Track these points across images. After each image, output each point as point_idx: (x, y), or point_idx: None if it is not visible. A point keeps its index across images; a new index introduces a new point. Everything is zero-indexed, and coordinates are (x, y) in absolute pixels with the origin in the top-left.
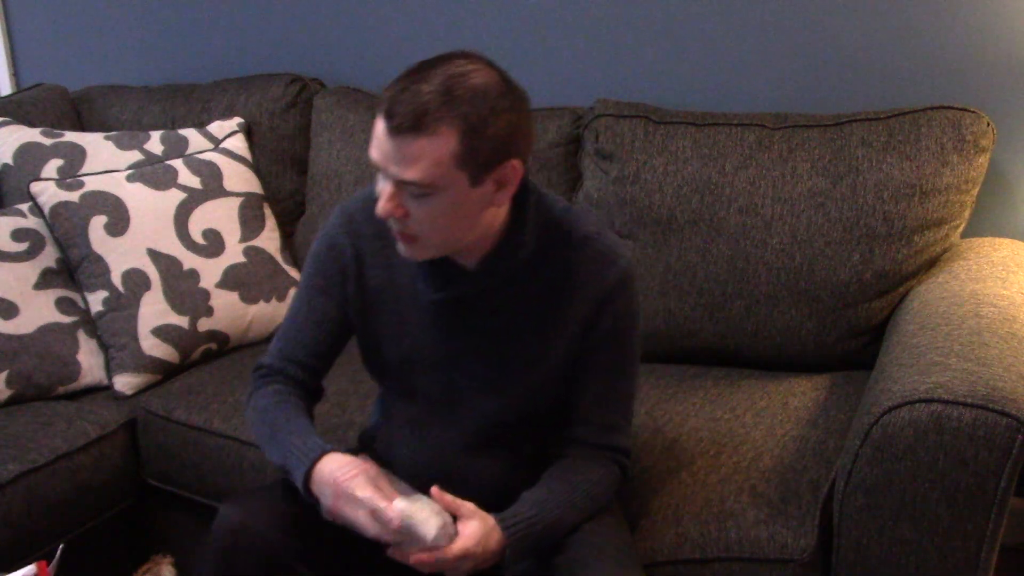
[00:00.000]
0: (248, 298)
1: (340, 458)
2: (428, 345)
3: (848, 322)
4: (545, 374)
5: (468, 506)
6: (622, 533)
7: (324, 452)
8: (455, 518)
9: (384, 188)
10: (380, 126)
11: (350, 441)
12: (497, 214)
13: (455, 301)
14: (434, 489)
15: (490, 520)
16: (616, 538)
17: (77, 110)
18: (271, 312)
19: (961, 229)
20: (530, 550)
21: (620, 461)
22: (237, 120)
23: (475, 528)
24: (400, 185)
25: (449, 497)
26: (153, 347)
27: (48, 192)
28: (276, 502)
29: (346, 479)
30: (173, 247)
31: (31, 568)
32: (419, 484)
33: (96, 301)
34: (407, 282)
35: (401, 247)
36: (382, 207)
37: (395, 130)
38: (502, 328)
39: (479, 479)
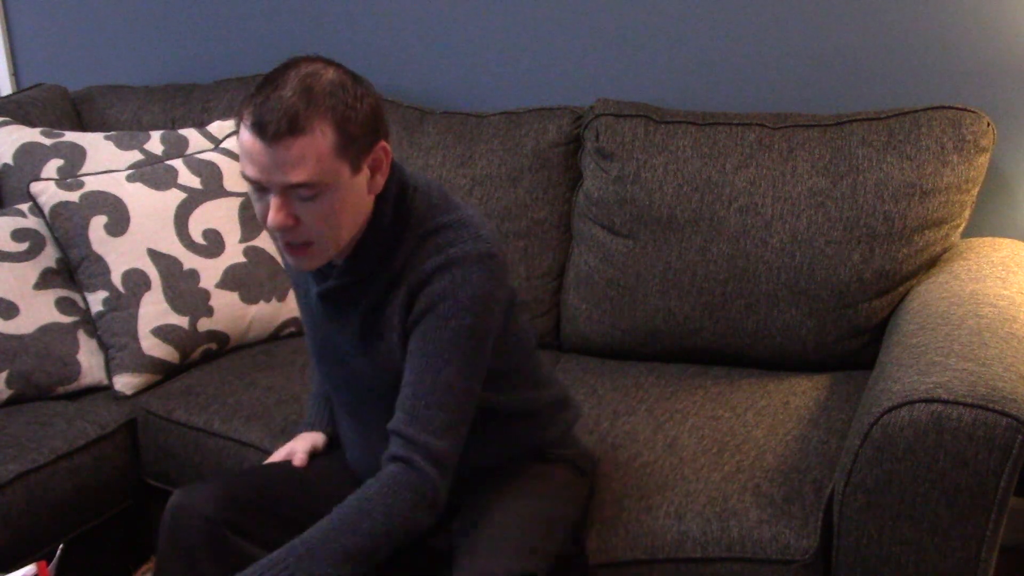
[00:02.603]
0: (248, 298)
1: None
2: (321, 337)
3: (848, 322)
4: (393, 364)
5: None
6: (542, 514)
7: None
8: None
9: (270, 201)
10: (252, 140)
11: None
12: (369, 204)
13: (330, 294)
14: None
15: None
16: (529, 522)
17: (77, 110)
18: (271, 312)
19: (961, 229)
20: None
21: (419, 457)
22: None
23: None
24: (287, 192)
25: None
26: (153, 347)
27: (48, 192)
28: (218, 486)
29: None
30: (173, 247)
31: (31, 568)
32: (363, 477)
33: (96, 301)
34: (306, 276)
35: (294, 260)
36: (273, 219)
37: (273, 138)
38: (361, 321)
39: None
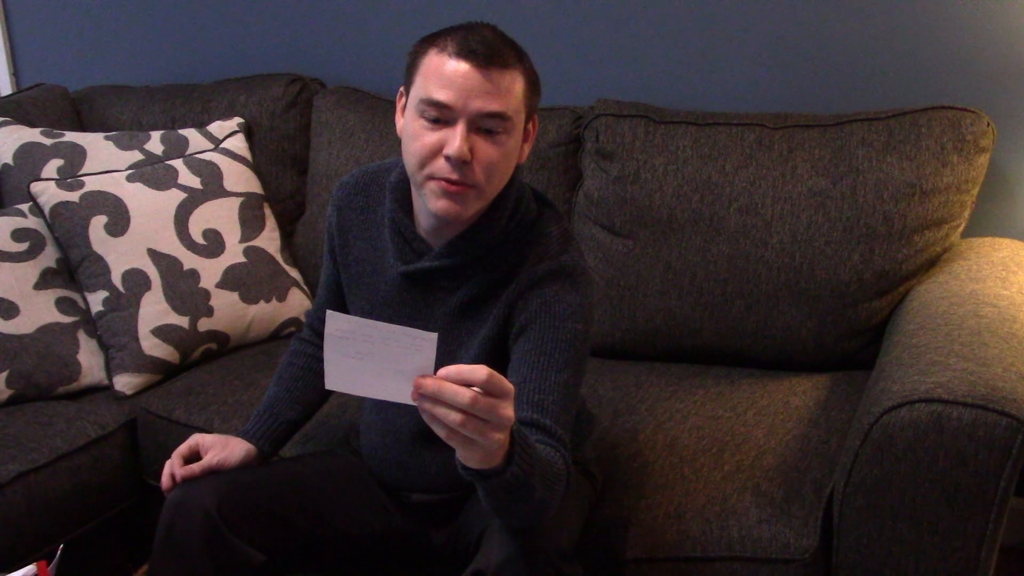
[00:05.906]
0: (248, 298)
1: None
2: (384, 318)
3: (848, 322)
4: (467, 357)
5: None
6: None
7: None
8: None
9: (450, 132)
10: (458, 63)
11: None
12: (510, 172)
13: (417, 276)
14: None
15: None
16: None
17: (77, 110)
18: (271, 312)
19: (961, 229)
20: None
21: (551, 445)
22: (237, 120)
23: None
24: (476, 123)
25: None
26: (153, 347)
27: (48, 192)
28: (220, 483)
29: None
30: (173, 247)
31: (31, 568)
32: (378, 472)
33: (96, 301)
34: (381, 256)
35: (447, 200)
36: (460, 148)
37: (484, 62)
38: (451, 309)
39: (428, 467)
